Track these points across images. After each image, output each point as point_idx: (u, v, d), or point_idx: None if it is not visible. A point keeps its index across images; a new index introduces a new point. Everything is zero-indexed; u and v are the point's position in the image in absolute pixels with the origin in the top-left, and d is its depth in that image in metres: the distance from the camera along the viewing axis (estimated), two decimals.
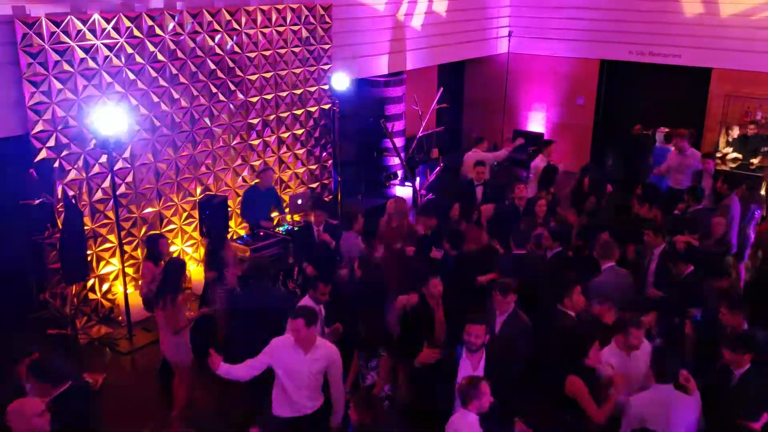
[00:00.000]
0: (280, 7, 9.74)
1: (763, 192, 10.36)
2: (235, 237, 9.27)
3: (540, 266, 6.98)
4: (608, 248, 6.62)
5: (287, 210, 9.45)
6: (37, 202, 7.08)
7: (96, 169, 8.10)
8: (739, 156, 11.60)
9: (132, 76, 8.22)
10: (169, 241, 7.30)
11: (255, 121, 9.83)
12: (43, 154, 7.59)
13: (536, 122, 15.05)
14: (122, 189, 8.39)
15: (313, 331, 5.11)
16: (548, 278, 6.77)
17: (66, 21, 7.49)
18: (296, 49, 10.13)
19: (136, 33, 8.16)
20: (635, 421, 4.67)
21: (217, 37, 9.04)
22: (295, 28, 10.04)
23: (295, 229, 8.91)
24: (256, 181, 9.42)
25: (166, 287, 6.15)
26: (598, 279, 6.52)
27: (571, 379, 5.08)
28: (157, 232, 7.67)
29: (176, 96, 8.75)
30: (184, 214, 9.23)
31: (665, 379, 4.69)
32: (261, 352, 5.16)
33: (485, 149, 10.80)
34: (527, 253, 6.94)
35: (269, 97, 9.94)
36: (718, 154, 11.69)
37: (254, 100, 9.73)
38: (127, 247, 8.47)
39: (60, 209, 7.61)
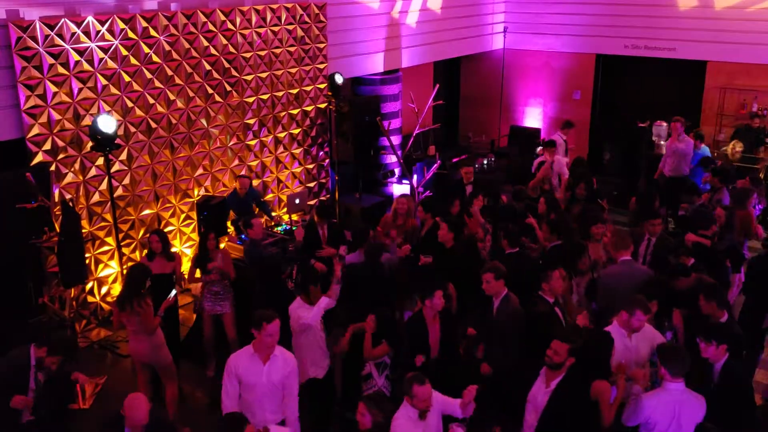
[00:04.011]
0: (275, 6, 9.72)
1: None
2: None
3: (530, 263, 6.97)
4: (623, 239, 6.53)
5: (274, 214, 9.46)
6: (33, 205, 7.06)
7: (93, 171, 8.09)
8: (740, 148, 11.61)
9: (127, 78, 8.20)
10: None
11: (251, 121, 9.82)
12: (39, 158, 7.57)
13: (533, 118, 15.06)
14: (119, 191, 8.38)
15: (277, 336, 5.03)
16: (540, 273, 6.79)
17: (60, 24, 7.47)
18: (291, 49, 10.12)
19: (131, 35, 8.14)
20: (643, 418, 4.66)
21: (212, 38, 9.02)
22: (290, 27, 10.02)
23: (293, 228, 8.90)
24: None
25: (129, 292, 6.11)
26: (610, 270, 6.50)
27: (603, 385, 4.97)
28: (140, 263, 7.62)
29: (172, 97, 8.74)
30: (182, 216, 9.22)
31: (677, 375, 4.66)
32: (225, 375, 4.98)
33: (567, 134, 11.10)
34: (519, 252, 6.93)
35: (265, 97, 9.93)
36: (727, 148, 11.68)
37: (250, 100, 9.71)
38: (125, 250, 8.46)
39: (57, 213, 7.59)
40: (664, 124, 12.16)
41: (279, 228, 9.12)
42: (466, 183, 9.29)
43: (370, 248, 6.73)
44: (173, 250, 9.09)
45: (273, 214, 9.86)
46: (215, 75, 9.17)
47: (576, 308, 6.34)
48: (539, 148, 10.70)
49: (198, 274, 7.35)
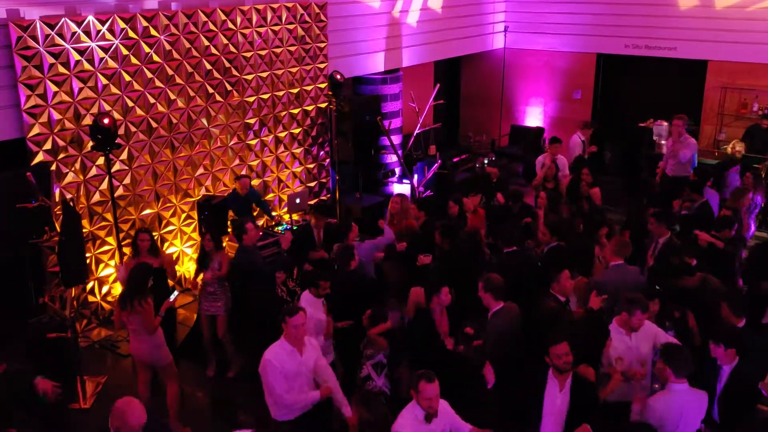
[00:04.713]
0: (275, 6, 9.71)
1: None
2: None
3: (531, 262, 6.96)
4: (623, 246, 6.49)
5: (275, 213, 9.46)
6: (34, 205, 7.06)
7: (93, 171, 8.08)
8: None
9: (128, 78, 8.20)
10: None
11: (252, 120, 9.81)
12: (39, 158, 7.57)
13: (534, 117, 15.05)
14: (120, 191, 8.37)
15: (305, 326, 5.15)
16: (541, 273, 6.77)
17: (60, 23, 7.46)
18: (292, 48, 10.11)
19: (131, 34, 8.14)
20: (654, 421, 4.66)
21: (213, 38, 9.02)
22: (291, 27, 10.01)
23: (294, 228, 8.90)
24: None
25: (131, 291, 6.12)
26: (604, 275, 6.48)
27: (587, 370, 5.13)
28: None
29: (173, 97, 8.73)
30: (183, 215, 9.22)
31: (681, 375, 4.68)
32: (270, 376, 5.00)
33: (590, 135, 11.04)
34: (517, 250, 6.92)
35: (266, 96, 9.92)
36: (729, 147, 11.64)
37: (251, 99, 9.71)
38: (126, 249, 8.43)
39: (58, 212, 7.58)
40: (665, 123, 12.15)
41: (280, 228, 9.12)
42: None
43: (340, 253, 6.71)
44: (172, 249, 9.13)
45: (273, 213, 9.87)
46: (216, 74, 9.16)
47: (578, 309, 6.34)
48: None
49: (197, 275, 7.37)
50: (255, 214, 9.26)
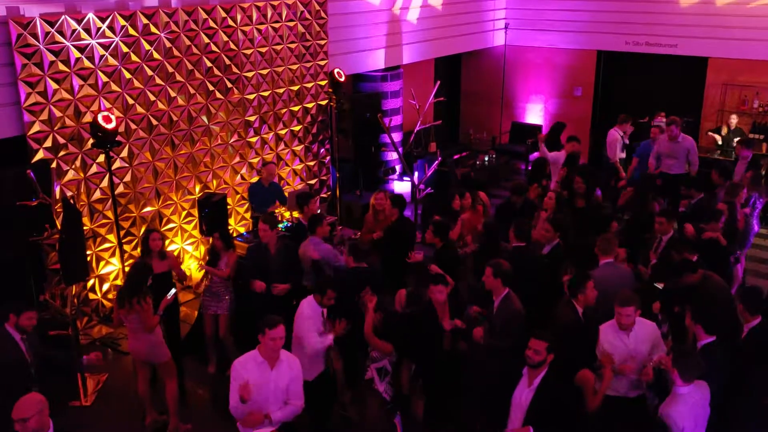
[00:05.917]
0: (276, 3, 9.70)
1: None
2: (235, 234, 9.26)
3: (540, 259, 6.96)
4: (609, 244, 6.48)
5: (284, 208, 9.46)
6: (34, 203, 7.06)
7: (94, 168, 8.08)
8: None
9: (128, 75, 8.19)
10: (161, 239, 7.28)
11: (252, 118, 9.81)
12: (40, 155, 7.57)
13: (534, 114, 15.05)
14: (120, 188, 8.37)
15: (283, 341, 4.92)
16: (547, 271, 6.76)
17: (60, 21, 7.46)
18: (292, 45, 10.10)
19: (131, 32, 8.13)
20: (674, 429, 4.66)
21: (213, 35, 9.01)
22: (291, 24, 10.01)
23: (293, 225, 8.89)
24: (258, 177, 9.37)
25: (129, 289, 6.11)
26: (594, 273, 6.45)
27: (586, 374, 5.17)
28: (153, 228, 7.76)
29: (173, 94, 8.72)
30: (183, 213, 9.22)
31: (687, 380, 4.65)
32: (233, 380, 4.81)
33: (628, 128, 10.79)
34: (527, 246, 6.91)
35: (266, 93, 9.91)
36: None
37: (251, 97, 9.70)
38: (126, 247, 8.45)
39: (58, 210, 7.59)
40: (671, 117, 12.09)
41: (281, 225, 9.10)
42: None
43: (350, 250, 6.73)
44: (173, 247, 9.13)
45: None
46: (216, 72, 9.15)
47: None
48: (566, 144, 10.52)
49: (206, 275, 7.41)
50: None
